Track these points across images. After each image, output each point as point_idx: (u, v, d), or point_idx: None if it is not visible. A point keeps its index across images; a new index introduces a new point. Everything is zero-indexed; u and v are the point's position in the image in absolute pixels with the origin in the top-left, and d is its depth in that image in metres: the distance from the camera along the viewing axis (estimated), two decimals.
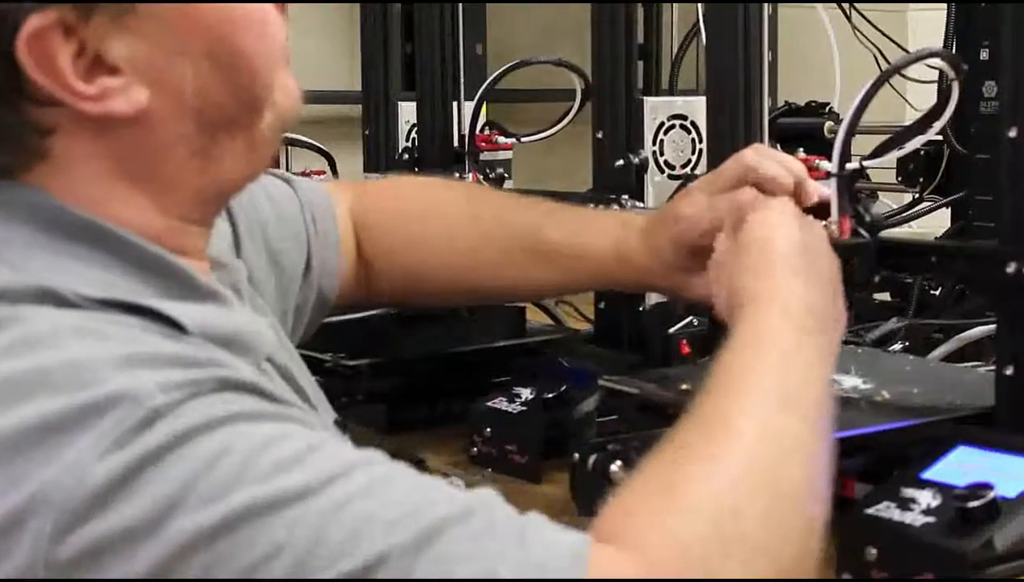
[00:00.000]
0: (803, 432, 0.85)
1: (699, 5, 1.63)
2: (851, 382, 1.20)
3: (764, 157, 1.14)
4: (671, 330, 1.43)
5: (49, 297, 0.75)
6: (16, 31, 0.75)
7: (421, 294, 1.34)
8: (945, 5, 1.73)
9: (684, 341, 1.43)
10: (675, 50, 2.43)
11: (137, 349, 0.73)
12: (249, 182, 0.91)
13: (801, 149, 1.35)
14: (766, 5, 1.37)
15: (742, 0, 1.30)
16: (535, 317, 1.75)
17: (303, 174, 2.21)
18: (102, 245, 0.80)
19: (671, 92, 2.19)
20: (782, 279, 0.97)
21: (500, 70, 1.72)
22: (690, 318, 1.43)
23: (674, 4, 2.49)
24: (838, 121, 1.68)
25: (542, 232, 1.26)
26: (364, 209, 1.30)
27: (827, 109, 1.98)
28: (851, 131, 1.17)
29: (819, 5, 2.03)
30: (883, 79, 1.16)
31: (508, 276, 1.28)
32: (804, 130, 1.93)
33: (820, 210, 1.13)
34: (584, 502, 1.09)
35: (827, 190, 1.12)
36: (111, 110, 0.79)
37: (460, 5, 1.78)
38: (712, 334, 1.21)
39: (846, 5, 2.01)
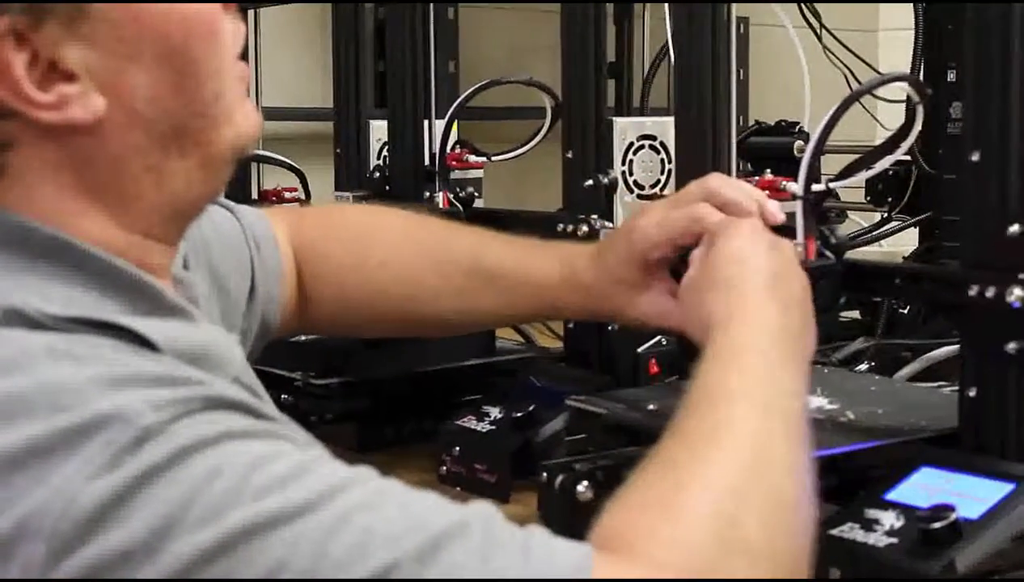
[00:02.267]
0: (788, 440, 0.86)
1: (667, 23, 1.64)
2: (817, 402, 1.20)
3: (726, 183, 1.14)
4: (640, 349, 1.43)
5: (15, 318, 0.74)
6: None
7: (358, 322, 1.33)
8: (914, 26, 1.75)
9: (653, 360, 1.43)
10: (646, 69, 2.44)
11: (116, 369, 0.72)
12: (207, 202, 0.90)
13: (768, 170, 1.36)
14: (736, 24, 1.37)
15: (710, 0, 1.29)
16: (506, 335, 1.76)
17: (275, 191, 2.22)
18: (65, 261, 0.79)
19: (642, 112, 2.19)
20: (756, 300, 0.99)
21: (471, 89, 1.72)
22: (659, 337, 1.43)
23: (645, 23, 2.50)
24: (808, 141, 1.69)
25: (484, 255, 1.26)
26: (302, 236, 1.29)
27: (797, 129, 1.99)
28: (817, 153, 1.18)
29: (789, 24, 2.04)
30: (849, 102, 1.17)
31: (449, 303, 1.28)
32: (773, 150, 1.94)
33: (783, 232, 1.14)
34: (552, 521, 1.09)
35: (783, 216, 1.13)
36: (70, 118, 0.78)
37: (432, 23, 1.79)
38: (680, 354, 1.22)
39: (816, 25, 2.02)
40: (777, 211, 1.13)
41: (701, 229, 1.10)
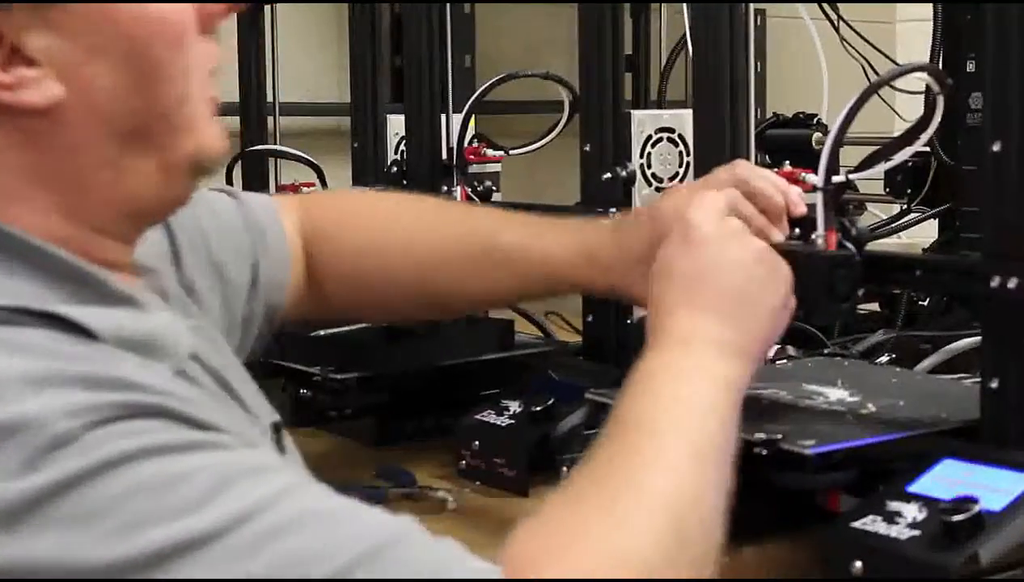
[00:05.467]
0: (696, 469, 0.87)
1: (687, 16, 1.64)
2: (837, 395, 1.20)
3: (753, 171, 1.14)
4: None
5: None
6: None
7: (376, 306, 1.33)
8: (932, 17, 1.74)
9: None
10: (663, 62, 2.44)
11: (42, 365, 0.71)
12: (169, 209, 0.90)
13: (787, 161, 1.36)
14: (753, 16, 1.37)
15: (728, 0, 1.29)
16: (524, 329, 1.76)
17: (292, 186, 2.22)
18: (5, 250, 0.79)
19: (659, 104, 2.19)
20: (692, 308, 0.98)
21: (488, 83, 1.72)
22: None
23: (662, 16, 2.49)
24: (826, 132, 1.69)
25: (502, 234, 1.24)
26: (314, 220, 1.28)
27: (815, 120, 1.99)
28: (837, 145, 1.17)
29: (807, 16, 2.03)
30: (869, 93, 1.17)
31: (468, 285, 1.26)
32: (792, 141, 1.94)
33: (803, 224, 1.13)
34: None
35: (804, 206, 1.13)
36: (23, 100, 0.78)
37: (448, 17, 1.78)
38: None
39: (834, 17, 2.01)
40: (800, 201, 1.12)
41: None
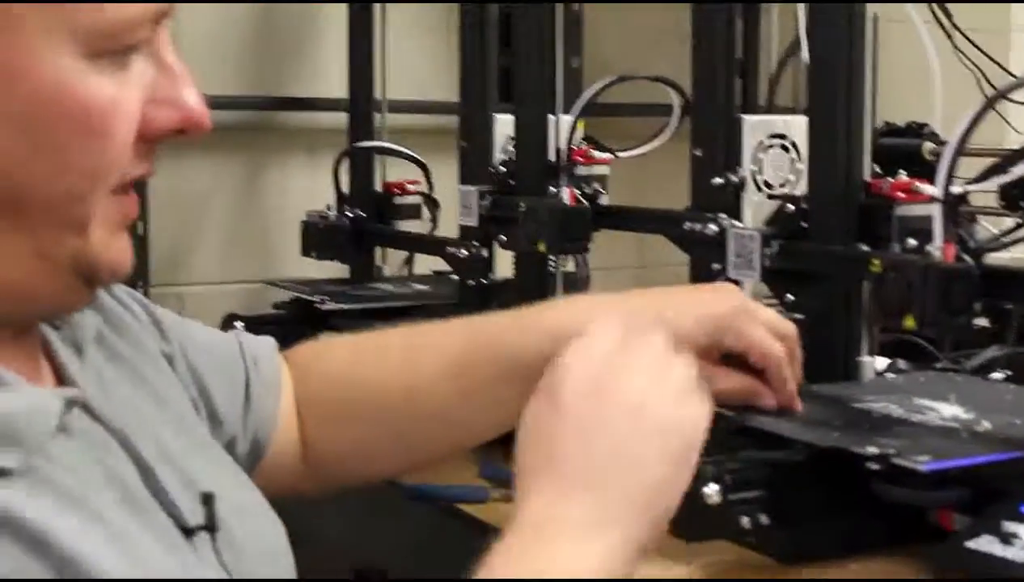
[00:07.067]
0: None
1: (800, 19, 1.62)
2: (951, 410, 1.18)
3: (749, 313, 1.08)
4: None
5: None
6: None
7: (386, 465, 1.17)
8: None
9: None
10: (773, 66, 2.41)
11: None
12: (47, 305, 0.80)
13: (902, 172, 1.34)
14: (871, 19, 1.35)
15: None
16: None
17: (398, 184, 2.23)
18: None
19: (768, 110, 2.17)
20: (551, 482, 0.82)
21: (599, 85, 1.71)
22: None
23: (773, 18, 2.47)
24: (938, 143, 1.66)
25: (501, 347, 1.08)
26: (308, 393, 1.13)
27: (926, 130, 1.96)
28: (956, 156, 1.15)
29: (919, 22, 2.00)
30: (989, 104, 1.15)
31: (486, 416, 1.10)
32: (904, 151, 1.91)
33: (920, 234, 1.11)
34: (680, 523, 1.08)
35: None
36: None
37: (558, 18, 1.78)
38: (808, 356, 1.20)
39: (947, 24, 1.98)
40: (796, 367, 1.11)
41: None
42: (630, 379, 0.85)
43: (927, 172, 1.28)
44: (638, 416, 0.84)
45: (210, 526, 0.84)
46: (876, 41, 2.65)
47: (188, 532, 0.82)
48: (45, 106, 0.72)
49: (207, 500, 0.85)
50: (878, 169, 1.72)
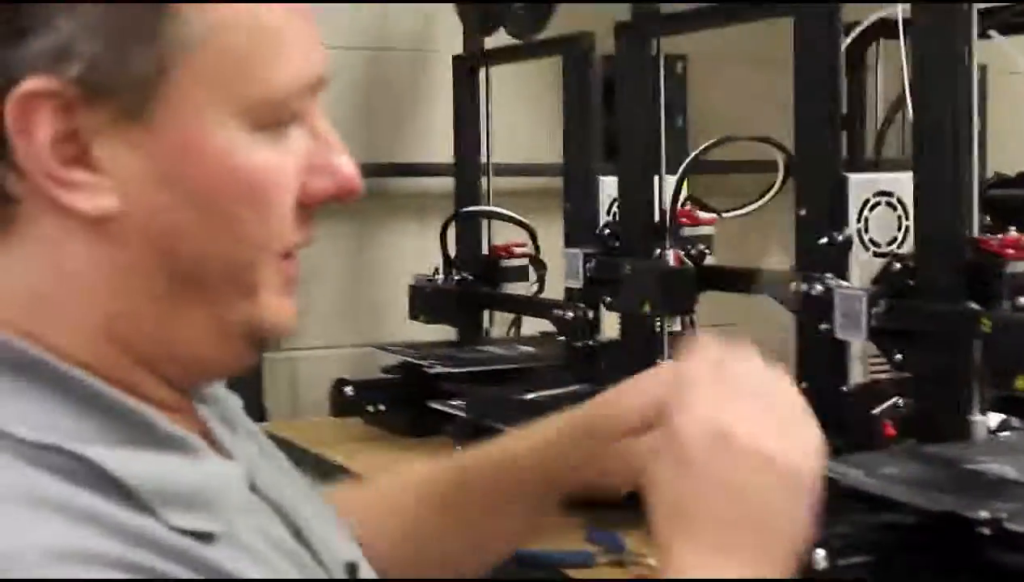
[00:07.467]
0: None
1: (905, 72, 1.60)
2: None
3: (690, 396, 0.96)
4: (875, 411, 1.40)
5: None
6: (16, 81, 0.70)
7: None
8: None
9: (888, 423, 1.39)
10: (879, 120, 2.39)
11: (61, 541, 0.66)
12: (219, 368, 0.82)
13: (1012, 228, 1.31)
14: (976, 70, 1.34)
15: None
16: None
17: (505, 247, 2.25)
18: (40, 378, 0.73)
19: (876, 164, 2.15)
20: (687, 544, 0.82)
21: (703, 146, 1.71)
22: (895, 399, 1.40)
23: (878, 73, 2.45)
24: None
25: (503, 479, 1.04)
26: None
27: None
28: None
29: None
30: None
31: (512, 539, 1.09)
32: (1017, 203, 1.88)
33: None
34: None
35: None
36: (71, 203, 0.72)
37: (662, 78, 1.79)
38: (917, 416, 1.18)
39: None
40: None
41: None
42: (747, 420, 0.83)
43: None
44: (765, 467, 0.82)
45: None
46: (984, 90, 2.63)
47: None
48: (217, 180, 0.74)
49: (352, 570, 0.87)
50: (988, 221, 1.70)
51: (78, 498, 0.68)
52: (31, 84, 0.70)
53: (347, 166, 0.80)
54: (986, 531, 1.02)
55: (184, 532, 0.71)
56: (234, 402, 0.91)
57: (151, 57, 0.71)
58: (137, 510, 0.70)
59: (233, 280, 0.77)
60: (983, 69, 2.61)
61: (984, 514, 1.02)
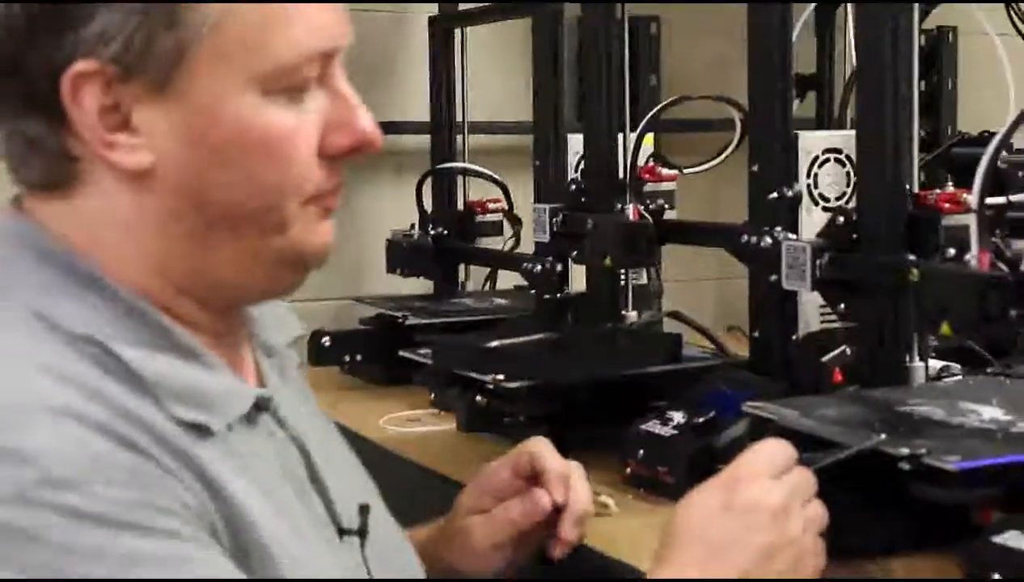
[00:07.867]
0: None
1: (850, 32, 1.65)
2: (991, 413, 1.21)
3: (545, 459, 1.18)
4: (823, 359, 1.45)
5: (36, 319, 0.84)
6: (68, 63, 0.84)
7: None
8: None
9: (837, 369, 1.45)
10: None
11: (62, 401, 0.79)
12: (255, 294, 0.96)
13: (950, 183, 1.37)
14: (917, 28, 1.38)
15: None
16: (696, 343, 1.80)
17: (480, 202, 2.30)
18: (95, 291, 0.87)
19: (841, 124, 2.20)
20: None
21: (660, 105, 1.76)
22: (843, 347, 1.45)
23: (848, 35, 2.50)
24: (1011, 152, 1.68)
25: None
26: None
27: None
28: (992, 165, 1.19)
29: (993, 33, 2.03)
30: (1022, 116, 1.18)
31: None
32: (973, 161, 1.93)
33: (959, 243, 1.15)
34: None
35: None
36: (114, 160, 0.86)
37: (627, 39, 1.83)
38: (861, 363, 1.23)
39: None
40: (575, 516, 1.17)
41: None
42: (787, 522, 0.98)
43: (998, 182, 1.30)
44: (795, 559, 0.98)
45: (362, 532, 0.96)
46: (955, 51, 2.67)
47: (342, 532, 0.96)
48: (233, 138, 0.87)
49: (363, 510, 0.98)
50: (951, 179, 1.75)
51: (90, 374, 0.82)
52: (79, 66, 0.84)
53: (365, 122, 0.92)
54: (906, 466, 1.07)
55: (181, 422, 0.84)
56: (291, 356, 1.06)
57: (174, 40, 0.85)
58: (143, 396, 0.83)
59: (258, 221, 0.89)
60: (952, 30, 2.67)
61: (904, 450, 1.08)
